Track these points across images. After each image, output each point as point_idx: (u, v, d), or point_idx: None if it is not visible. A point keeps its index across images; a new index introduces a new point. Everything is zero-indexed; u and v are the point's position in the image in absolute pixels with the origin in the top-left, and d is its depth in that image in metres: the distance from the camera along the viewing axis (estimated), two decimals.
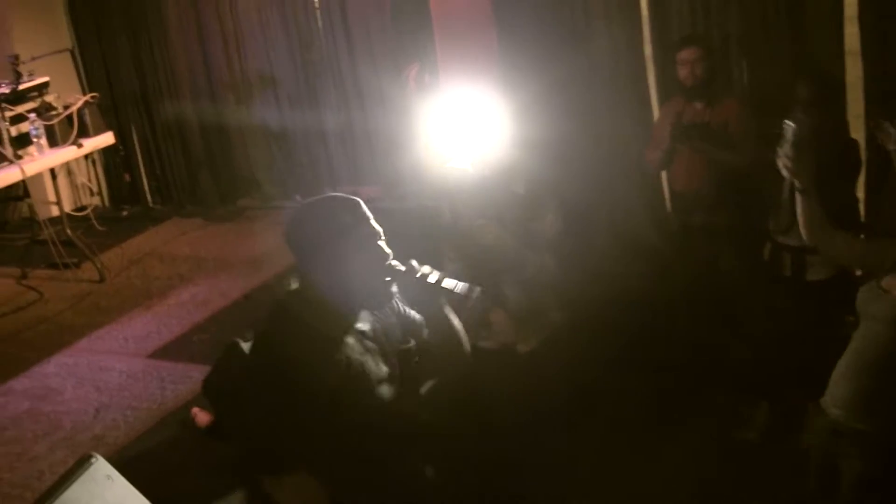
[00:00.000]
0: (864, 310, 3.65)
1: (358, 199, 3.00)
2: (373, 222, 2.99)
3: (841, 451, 3.69)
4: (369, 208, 2.98)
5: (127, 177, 10.32)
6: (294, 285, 3.00)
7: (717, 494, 4.53)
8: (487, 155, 5.72)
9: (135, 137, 10.20)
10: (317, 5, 8.84)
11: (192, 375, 5.83)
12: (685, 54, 5.70)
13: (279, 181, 9.69)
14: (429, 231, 5.76)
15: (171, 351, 6.64)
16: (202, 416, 4.90)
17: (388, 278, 2.96)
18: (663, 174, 6.37)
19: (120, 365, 6.53)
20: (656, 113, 6.88)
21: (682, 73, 5.68)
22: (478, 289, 3.06)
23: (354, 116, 8.93)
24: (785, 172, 3.63)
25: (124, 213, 10.21)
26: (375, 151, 8.91)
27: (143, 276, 8.25)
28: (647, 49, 6.92)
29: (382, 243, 2.98)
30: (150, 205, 10.36)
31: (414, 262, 3.03)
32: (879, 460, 3.59)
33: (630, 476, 4.49)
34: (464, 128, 5.95)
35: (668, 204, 6.56)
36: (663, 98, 6.81)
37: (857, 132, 6.33)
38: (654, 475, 4.51)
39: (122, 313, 7.40)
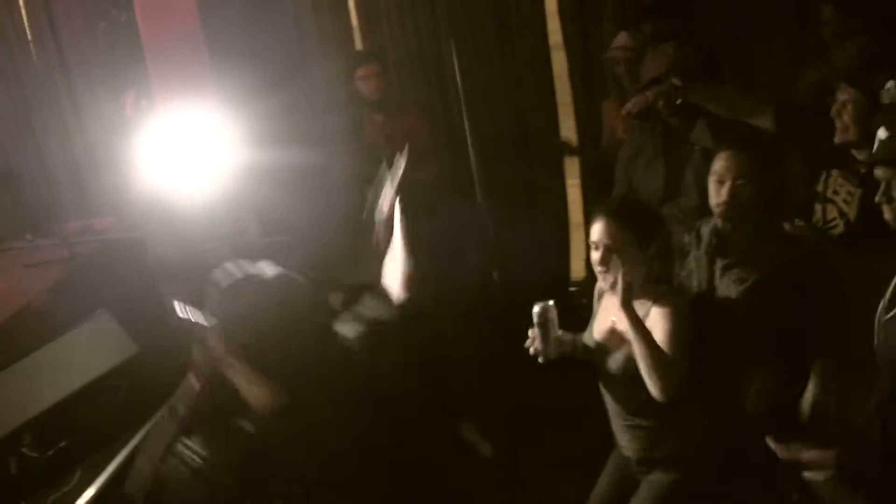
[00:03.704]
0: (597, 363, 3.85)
1: None
2: None
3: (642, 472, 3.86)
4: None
5: None
6: None
7: None
8: (216, 178, 5.73)
9: None
10: (30, 38, 8.64)
11: None
12: (365, 71, 5.86)
13: (9, 221, 9.38)
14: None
15: None
16: None
17: None
18: None
19: None
20: None
21: (367, 88, 5.84)
22: None
23: (78, 149, 8.77)
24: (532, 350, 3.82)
25: None
26: (103, 182, 8.75)
27: None
28: None
29: None
30: None
31: None
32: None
33: None
34: (188, 152, 5.92)
35: None
36: None
37: (568, 120, 6.64)
38: None
39: None
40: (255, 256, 5.44)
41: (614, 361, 3.74)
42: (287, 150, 6.13)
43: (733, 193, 3.86)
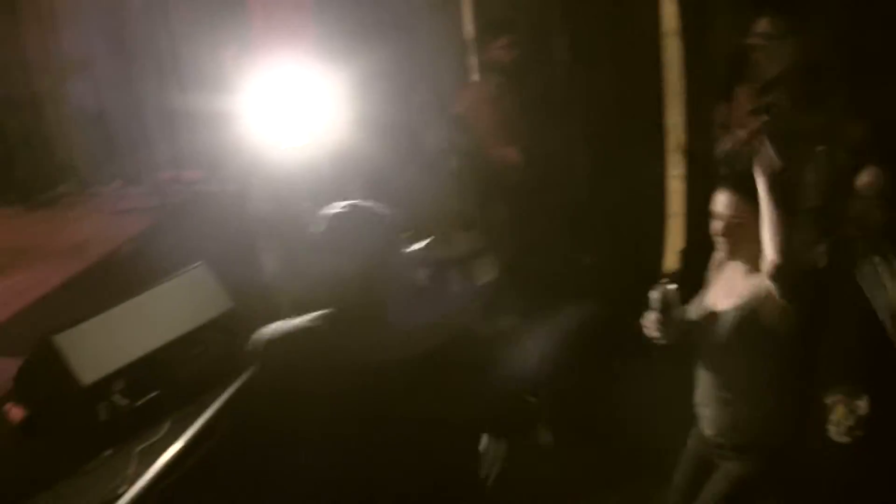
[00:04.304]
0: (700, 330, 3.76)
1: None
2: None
3: (718, 456, 3.82)
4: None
5: None
6: None
7: None
8: (317, 135, 5.67)
9: None
10: None
11: (7, 370, 5.59)
12: (506, 40, 5.81)
13: (99, 166, 9.44)
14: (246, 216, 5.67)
15: None
16: (16, 412, 4.72)
17: None
18: None
19: None
20: None
21: (506, 57, 5.80)
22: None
23: (174, 99, 8.79)
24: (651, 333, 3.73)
25: None
26: (196, 134, 8.76)
27: None
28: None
29: None
30: None
31: None
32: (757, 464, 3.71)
33: None
34: (289, 107, 5.86)
35: None
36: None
37: (675, 108, 6.51)
38: None
39: None
40: None
41: (722, 324, 3.67)
42: (385, 112, 6.07)
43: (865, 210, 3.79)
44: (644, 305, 3.91)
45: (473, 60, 6.79)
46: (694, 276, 4.13)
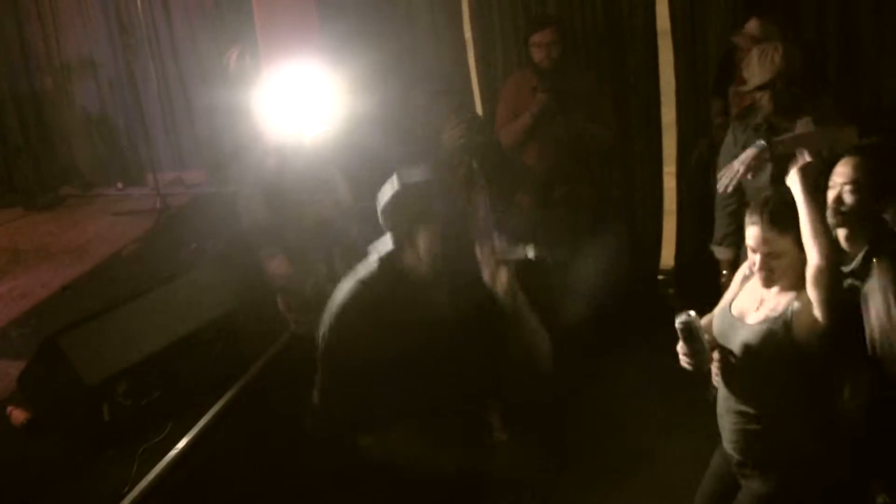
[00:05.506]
0: (724, 340, 3.71)
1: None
2: None
3: (741, 475, 3.79)
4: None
5: None
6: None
7: None
8: (322, 130, 5.65)
9: None
10: None
11: (9, 373, 5.56)
12: (539, 37, 5.79)
13: (101, 168, 9.43)
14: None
15: None
16: (18, 414, 4.73)
17: None
18: None
19: None
20: (477, 93, 6.97)
21: (538, 55, 5.78)
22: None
23: (176, 101, 8.79)
24: (687, 366, 3.66)
25: None
26: (199, 135, 8.76)
27: None
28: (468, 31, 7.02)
29: None
30: None
31: None
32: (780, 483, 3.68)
33: None
34: (297, 106, 5.83)
35: None
36: (485, 78, 6.90)
37: (668, 106, 6.53)
38: None
39: None
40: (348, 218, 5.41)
41: (747, 336, 3.60)
42: (387, 121, 6.06)
43: (839, 198, 3.71)
44: None
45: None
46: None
